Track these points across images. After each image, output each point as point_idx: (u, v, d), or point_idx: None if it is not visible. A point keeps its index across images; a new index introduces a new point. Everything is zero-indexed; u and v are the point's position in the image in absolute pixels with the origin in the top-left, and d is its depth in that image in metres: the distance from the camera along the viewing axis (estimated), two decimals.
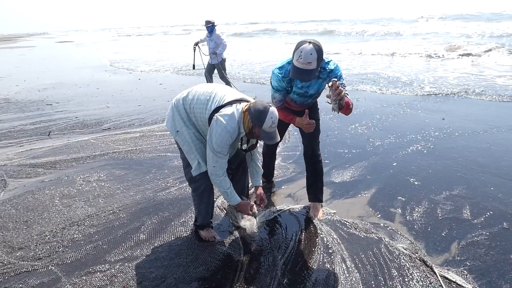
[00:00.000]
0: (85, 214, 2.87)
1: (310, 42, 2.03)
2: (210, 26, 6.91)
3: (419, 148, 4.09)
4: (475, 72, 8.96)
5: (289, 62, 2.25)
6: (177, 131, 2.20)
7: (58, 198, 3.15)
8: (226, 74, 7.27)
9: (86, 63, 15.71)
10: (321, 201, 2.79)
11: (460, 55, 11.90)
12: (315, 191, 2.76)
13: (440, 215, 2.73)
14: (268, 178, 3.29)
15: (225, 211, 2.84)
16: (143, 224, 2.70)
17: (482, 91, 6.83)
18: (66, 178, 3.58)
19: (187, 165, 2.28)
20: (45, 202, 3.08)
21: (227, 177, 2.18)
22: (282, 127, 2.75)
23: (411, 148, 4.10)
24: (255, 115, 1.96)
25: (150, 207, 2.95)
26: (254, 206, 2.36)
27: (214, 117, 2.02)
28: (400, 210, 2.81)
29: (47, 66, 14.90)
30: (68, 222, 2.76)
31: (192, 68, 7.91)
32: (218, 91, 2.15)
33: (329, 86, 2.03)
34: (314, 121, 2.31)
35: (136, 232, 2.60)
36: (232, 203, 2.28)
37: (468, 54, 11.81)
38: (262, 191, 2.50)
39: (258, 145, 2.42)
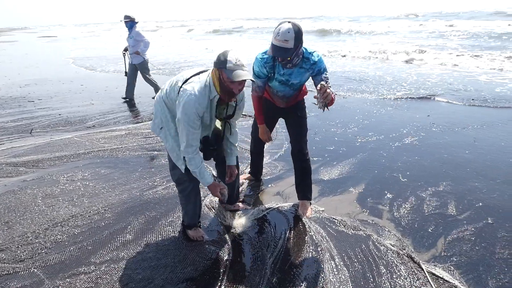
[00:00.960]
0: (69, 214, 2.79)
1: (289, 22, 2.09)
2: (129, 22, 6.26)
3: (405, 144, 4.14)
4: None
5: None
6: (161, 128, 2.15)
7: (40, 198, 3.06)
8: (150, 75, 6.67)
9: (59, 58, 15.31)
10: (310, 199, 2.79)
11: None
12: (303, 189, 2.75)
13: (426, 211, 2.77)
14: (257, 176, 3.29)
15: (213, 210, 2.81)
16: (129, 224, 2.64)
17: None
18: (49, 177, 3.47)
19: (173, 167, 2.23)
20: (27, 202, 2.99)
21: (198, 155, 2.08)
22: (270, 124, 2.74)
23: (397, 144, 4.15)
24: (218, 61, 1.90)
25: (136, 206, 2.89)
26: (225, 190, 2.26)
27: (181, 89, 1.97)
28: (387, 207, 2.84)
29: (29, 61, 14.44)
30: (51, 222, 2.68)
31: (124, 75, 6.83)
32: (186, 71, 2.11)
33: (317, 89, 2.04)
34: (271, 139, 2.43)
35: (122, 232, 2.55)
36: (204, 183, 2.17)
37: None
38: (235, 170, 2.44)
39: (236, 128, 2.36)
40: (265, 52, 2.32)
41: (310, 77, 2.39)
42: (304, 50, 2.25)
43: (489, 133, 4.45)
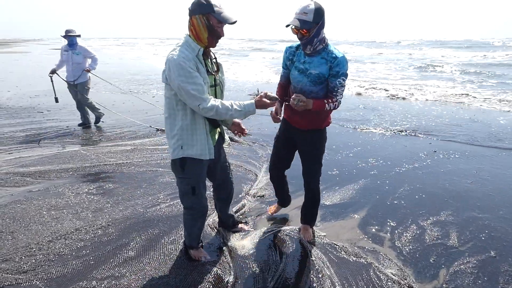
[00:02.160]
0: (73, 227, 2.82)
1: (311, 0, 2.11)
2: (72, 37, 5.54)
3: (407, 171, 4.17)
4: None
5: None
6: (166, 116, 2.09)
7: (45, 209, 3.09)
8: (88, 95, 5.93)
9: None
10: (312, 226, 2.81)
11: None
12: (308, 216, 2.75)
13: (428, 240, 2.77)
14: (284, 205, 3.06)
15: (215, 230, 2.82)
16: (132, 240, 2.66)
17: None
18: (54, 189, 3.52)
19: (183, 194, 2.23)
20: (32, 213, 3.02)
21: (215, 101, 1.94)
22: (285, 151, 2.64)
23: (398, 171, 4.18)
24: (201, 6, 1.86)
25: (139, 223, 2.92)
26: (268, 92, 2.04)
27: (165, 63, 1.91)
28: (389, 235, 2.85)
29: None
30: (55, 235, 2.71)
31: (55, 101, 6.03)
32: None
33: (293, 97, 2.13)
34: (268, 102, 2.02)
35: (124, 248, 2.56)
36: (249, 112, 1.99)
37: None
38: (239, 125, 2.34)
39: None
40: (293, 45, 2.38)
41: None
42: (330, 44, 2.25)
43: (491, 163, 4.47)
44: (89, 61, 5.84)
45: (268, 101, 2.01)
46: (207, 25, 1.90)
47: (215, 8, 1.87)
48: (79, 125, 6.08)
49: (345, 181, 3.89)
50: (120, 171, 4.03)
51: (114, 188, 3.57)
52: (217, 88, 2.14)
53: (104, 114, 6.29)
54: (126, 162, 4.30)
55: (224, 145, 2.46)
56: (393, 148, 5.09)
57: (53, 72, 5.77)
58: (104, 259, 2.43)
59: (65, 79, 5.76)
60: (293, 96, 2.16)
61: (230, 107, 1.95)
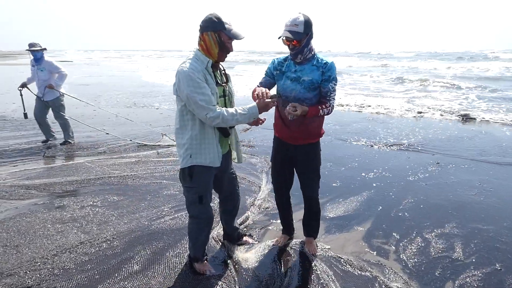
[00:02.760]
0: (78, 240, 2.83)
1: (299, 13, 2.21)
2: (38, 51, 5.20)
3: (410, 183, 4.17)
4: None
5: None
6: (176, 128, 2.17)
7: (50, 223, 3.11)
8: (65, 113, 5.64)
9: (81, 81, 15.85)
10: (315, 237, 2.81)
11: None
12: (309, 228, 2.76)
13: (433, 253, 2.76)
14: (290, 233, 2.92)
15: (220, 243, 2.83)
16: (137, 254, 2.67)
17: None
18: (59, 201, 3.54)
19: (190, 203, 2.28)
20: (37, 226, 3.04)
21: (220, 109, 2.01)
22: (282, 169, 2.62)
23: (402, 183, 4.18)
24: (213, 23, 1.97)
25: (144, 236, 2.93)
26: (268, 92, 2.11)
27: (176, 75, 2.01)
28: (393, 247, 2.84)
29: None
30: (60, 248, 2.72)
31: (24, 117, 5.79)
32: None
33: (290, 106, 2.18)
34: (269, 101, 2.09)
35: (129, 262, 2.57)
36: (253, 115, 2.06)
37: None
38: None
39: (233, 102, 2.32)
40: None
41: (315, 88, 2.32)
42: (317, 53, 2.33)
43: (494, 175, 4.47)
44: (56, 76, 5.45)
45: (270, 101, 2.08)
46: (218, 41, 2.03)
47: (226, 26, 2.00)
48: (43, 142, 5.71)
49: (348, 193, 3.90)
50: (124, 183, 4.05)
51: (119, 201, 3.59)
52: (226, 99, 2.24)
53: (72, 143, 5.73)
54: (131, 174, 4.33)
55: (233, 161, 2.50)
56: (396, 160, 5.10)
57: (23, 86, 5.47)
58: (109, 273, 2.43)
59: (35, 94, 5.49)
60: (288, 106, 2.20)
61: (235, 113, 2.04)
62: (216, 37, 2.01)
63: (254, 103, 2.10)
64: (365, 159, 5.11)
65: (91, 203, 3.53)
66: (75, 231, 2.98)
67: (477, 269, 2.56)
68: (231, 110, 2.04)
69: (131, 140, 5.90)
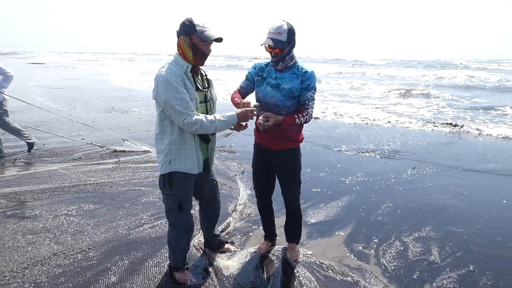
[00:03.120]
0: (51, 252, 2.70)
1: (283, 20, 2.22)
2: None
3: (389, 187, 4.27)
4: None
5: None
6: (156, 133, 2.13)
7: (21, 234, 2.95)
8: (8, 119, 5.07)
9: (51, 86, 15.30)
10: (297, 243, 2.81)
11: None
12: (292, 233, 2.76)
13: (411, 256, 2.83)
14: (272, 239, 2.90)
15: (201, 251, 2.78)
16: (114, 264, 2.57)
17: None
18: (31, 211, 3.37)
19: (169, 211, 2.23)
20: (7, 238, 2.87)
21: (199, 115, 1.98)
22: (262, 176, 2.62)
23: (381, 187, 4.28)
24: (185, 27, 1.96)
25: (122, 245, 2.83)
26: (250, 103, 2.15)
27: (154, 79, 1.98)
28: (374, 252, 2.89)
29: (17, 88, 14.32)
30: (31, 261, 2.58)
31: None
32: None
33: (263, 117, 2.18)
34: (253, 109, 2.14)
35: (106, 273, 2.47)
36: (232, 123, 2.07)
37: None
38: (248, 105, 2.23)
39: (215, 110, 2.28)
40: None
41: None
42: (298, 61, 2.34)
43: (466, 179, 4.66)
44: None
45: (249, 111, 2.10)
46: (190, 44, 1.99)
47: (198, 28, 1.96)
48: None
49: (329, 198, 3.94)
50: (101, 191, 3.92)
51: (95, 209, 3.46)
52: (208, 104, 2.21)
53: (35, 142, 5.37)
54: (108, 181, 4.19)
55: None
56: (374, 165, 5.23)
57: None
58: (84, 286, 2.33)
59: None
60: (261, 117, 2.21)
61: (214, 120, 2.02)
62: (188, 40, 1.98)
63: (233, 112, 2.09)
64: (345, 164, 5.20)
65: (66, 212, 3.38)
66: (48, 242, 2.84)
67: (452, 271, 2.65)
68: (210, 117, 2.01)
69: (103, 147, 5.66)
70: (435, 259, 2.80)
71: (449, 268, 2.69)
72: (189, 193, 2.23)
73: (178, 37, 2.01)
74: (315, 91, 2.34)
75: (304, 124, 2.42)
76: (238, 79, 21.31)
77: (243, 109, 2.12)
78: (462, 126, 7.92)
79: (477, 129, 7.70)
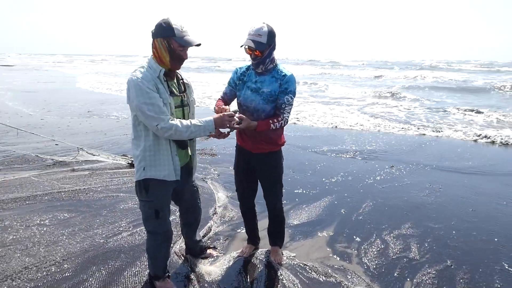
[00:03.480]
0: (22, 265, 2.55)
1: (263, 23, 2.19)
2: None
3: (368, 186, 4.35)
4: None
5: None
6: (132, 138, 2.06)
7: None
8: None
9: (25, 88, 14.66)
10: (281, 246, 2.79)
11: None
12: (275, 236, 2.75)
13: (392, 254, 2.87)
14: (255, 242, 2.88)
15: (183, 258, 2.71)
16: (91, 276, 2.46)
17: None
18: (0, 222, 3.18)
19: (147, 218, 2.15)
20: None
21: (174, 120, 1.91)
22: (245, 180, 2.61)
23: (361, 187, 4.34)
24: (162, 30, 1.87)
25: (99, 255, 2.72)
26: (229, 109, 2.10)
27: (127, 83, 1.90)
28: (356, 251, 2.91)
29: None
30: (0, 276, 2.42)
31: None
32: None
33: (238, 117, 2.12)
34: (231, 113, 2.08)
35: (82, 285, 2.36)
36: (209, 128, 1.97)
37: None
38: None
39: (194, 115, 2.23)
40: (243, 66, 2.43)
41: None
42: (279, 64, 2.33)
43: (442, 176, 4.81)
44: None
45: (226, 116, 2.02)
46: (168, 48, 1.91)
47: (176, 32, 1.87)
48: None
49: (311, 199, 3.96)
50: (76, 199, 3.76)
51: (70, 218, 3.32)
52: (185, 109, 2.14)
53: None
54: (84, 188, 4.03)
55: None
56: (354, 165, 5.31)
57: None
58: None
59: None
60: (236, 116, 2.13)
61: (189, 125, 1.93)
62: (165, 44, 1.89)
63: (210, 117, 2.02)
64: (325, 165, 5.25)
65: (38, 222, 3.22)
66: (19, 254, 2.69)
67: (431, 267, 2.71)
68: (185, 122, 1.94)
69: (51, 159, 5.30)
70: (415, 256, 2.86)
71: (428, 264, 2.75)
72: (166, 199, 2.16)
73: (154, 38, 1.91)
74: (293, 95, 2.29)
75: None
76: (216, 81, 21.20)
77: (220, 114, 2.04)
78: (439, 131, 7.99)
79: (438, 131, 7.85)
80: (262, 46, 2.17)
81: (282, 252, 2.79)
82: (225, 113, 2.05)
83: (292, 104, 2.31)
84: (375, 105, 12.17)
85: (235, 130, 2.25)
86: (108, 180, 4.34)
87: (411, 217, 3.55)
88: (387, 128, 8.20)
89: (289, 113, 2.31)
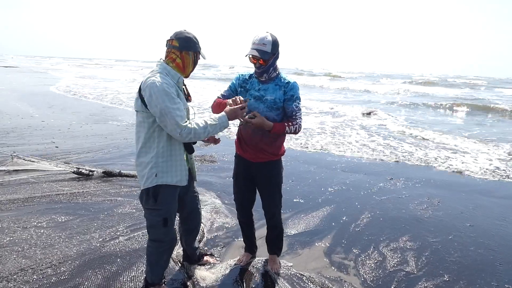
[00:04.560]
0: (18, 267, 2.54)
1: (267, 32, 2.22)
2: None
3: (366, 198, 4.35)
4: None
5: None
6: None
7: None
8: None
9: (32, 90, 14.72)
10: (279, 255, 2.79)
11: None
12: (273, 245, 2.74)
13: (389, 267, 2.87)
14: (252, 251, 2.86)
15: (179, 264, 2.70)
16: (86, 279, 2.45)
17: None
18: None
19: (153, 226, 2.14)
20: None
21: (192, 123, 1.95)
22: (244, 189, 2.59)
23: (360, 198, 4.34)
24: (192, 44, 2.02)
25: (95, 259, 2.71)
26: (239, 98, 2.11)
27: (144, 88, 1.91)
28: (353, 263, 2.91)
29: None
30: None
31: None
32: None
33: (251, 114, 2.18)
34: (243, 105, 2.09)
35: None
36: (224, 124, 2.02)
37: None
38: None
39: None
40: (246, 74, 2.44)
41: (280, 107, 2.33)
42: (281, 72, 2.36)
43: (441, 189, 4.82)
44: None
45: (238, 109, 2.05)
46: (194, 61, 2.08)
47: (201, 51, 2.10)
48: None
49: (309, 208, 3.96)
50: (75, 201, 3.76)
51: (68, 221, 3.31)
52: (187, 113, 2.22)
53: None
54: (82, 191, 4.03)
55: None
56: (354, 175, 5.32)
57: None
58: None
59: None
60: (248, 115, 2.18)
61: (205, 125, 1.97)
62: (194, 57, 2.06)
63: (222, 112, 2.05)
64: (324, 176, 5.25)
65: (35, 224, 3.21)
66: (15, 256, 2.68)
67: (428, 281, 2.70)
68: (201, 122, 1.97)
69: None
70: (412, 269, 2.85)
71: (425, 278, 2.74)
72: (175, 206, 2.17)
73: (181, 50, 2.01)
74: (300, 101, 2.35)
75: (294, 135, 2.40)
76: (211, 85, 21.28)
77: (233, 107, 2.05)
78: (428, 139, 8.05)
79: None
80: (267, 55, 2.21)
81: (280, 261, 2.79)
82: (237, 106, 2.06)
83: (300, 110, 2.35)
84: (365, 118, 12.24)
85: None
86: (107, 183, 4.33)
87: (409, 230, 3.55)
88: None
89: (300, 118, 2.34)
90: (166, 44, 2.05)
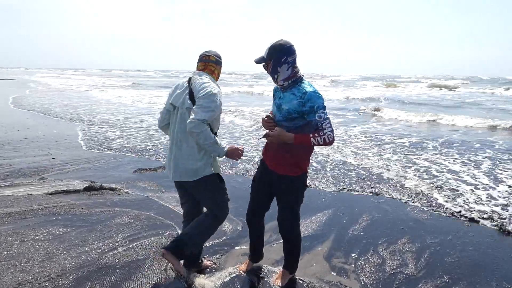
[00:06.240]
0: (15, 281, 2.52)
1: (281, 39, 2.24)
2: None
3: (365, 201, 4.36)
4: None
5: None
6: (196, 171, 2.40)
7: None
8: None
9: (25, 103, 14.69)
10: (291, 273, 2.62)
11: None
12: (285, 259, 2.61)
13: (388, 270, 2.87)
14: (257, 260, 2.79)
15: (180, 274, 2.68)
16: None
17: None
18: None
19: (224, 204, 2.53)
20: None
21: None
22: (261, 193, 2.54)
23: (358, 200, 4.36)
24: (220, 59, 2.55)
25: (94, 271, 2.69)
26: (240, 147, 2.47)
27: (202, 85, 2.31)
28: (353, 266, 2.91)
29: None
30: None
31: None
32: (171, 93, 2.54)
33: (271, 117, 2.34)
34: (242, 149, 2.44)
35: None
36: (220, 152, 2.35)
37: None
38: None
39: None
40: None
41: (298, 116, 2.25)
42: (304, 81, 2.25)
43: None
44: None
45: (237, 150, 2.41)
46: (219, 73, 2.60)
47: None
48: None
49: (308, 212, 3.96)
50: (72, 213, 3.74)
51: (66, 233, 3.29)
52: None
53: None
54: (79, 203, 4.01)
55: None
56: (350, 178, 5.33)
57: None
58: None
59: None
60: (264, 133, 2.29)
61: (216, 139, 2.32)
62: (219, 70, 2.59)
63: (227, 146, 2.40)
64: (324, 180, 5.26)
65: (33, 237, 3.19)
66: (12, 270, 2.66)
67: (428, 282, 2.71)
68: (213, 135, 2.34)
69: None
70: (412, 271, 2.86)
71: (425, 279, 2.75)
72: None
73: (218, 65, 2.54)
74: (323, 109, 2.14)
75: (327, 146, 2.22)
76: None
77: (235, 147, 2.42)
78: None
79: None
80: (261, 60, 2.26)
81: (288, 279, 2.59)
82: (238, 147, 2.44)
83: (327, 118, 2.14)
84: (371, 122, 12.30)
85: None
86: (104, 194, 4.32)
87: (407, 232, 3.56)
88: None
89: (329, 127, 2.13)
90: (202, 59, 2.48)
